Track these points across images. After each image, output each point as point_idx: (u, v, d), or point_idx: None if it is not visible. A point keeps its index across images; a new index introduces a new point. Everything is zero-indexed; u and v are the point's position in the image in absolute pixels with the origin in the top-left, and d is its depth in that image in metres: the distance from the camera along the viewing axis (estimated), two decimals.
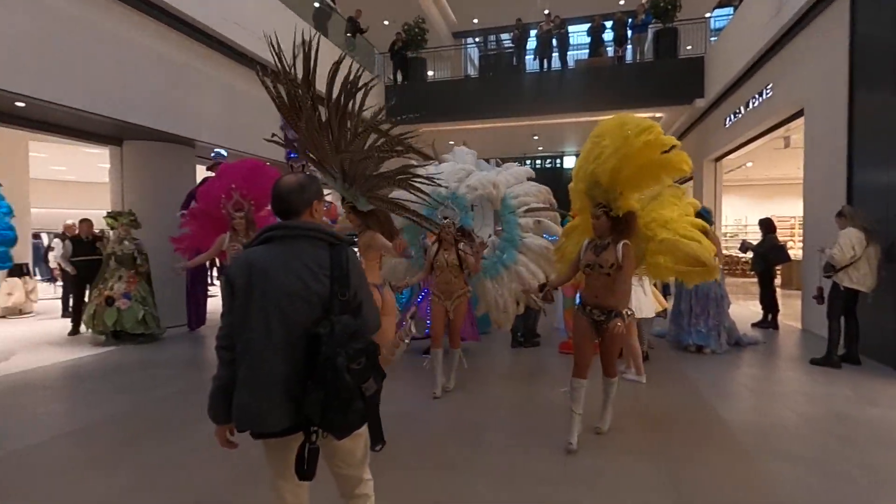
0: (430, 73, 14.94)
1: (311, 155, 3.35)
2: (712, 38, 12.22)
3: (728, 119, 10.43)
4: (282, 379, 1.50)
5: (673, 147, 3.16)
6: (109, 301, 6.23)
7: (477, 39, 19.24)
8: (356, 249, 3.21)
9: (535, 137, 15.62)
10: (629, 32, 12.33)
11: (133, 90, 6.52)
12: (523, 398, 4.29)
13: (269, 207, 6.07)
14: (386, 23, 16.45)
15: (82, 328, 6.69)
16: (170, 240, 6.28)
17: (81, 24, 5.85)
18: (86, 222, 7.26)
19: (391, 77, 14.39)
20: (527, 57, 13.53)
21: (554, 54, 12.89)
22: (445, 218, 4.04)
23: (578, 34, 13.54)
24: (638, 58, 12.48)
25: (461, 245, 4.06)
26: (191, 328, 7.26)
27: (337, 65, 3.20)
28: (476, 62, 18.99)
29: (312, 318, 1.52)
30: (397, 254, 3.16)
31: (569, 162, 18.61)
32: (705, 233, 3.52)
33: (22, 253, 8.30)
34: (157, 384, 4.75)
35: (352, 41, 12.72)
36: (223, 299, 1.58)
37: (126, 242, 6.48)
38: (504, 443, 3.36)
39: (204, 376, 4.99)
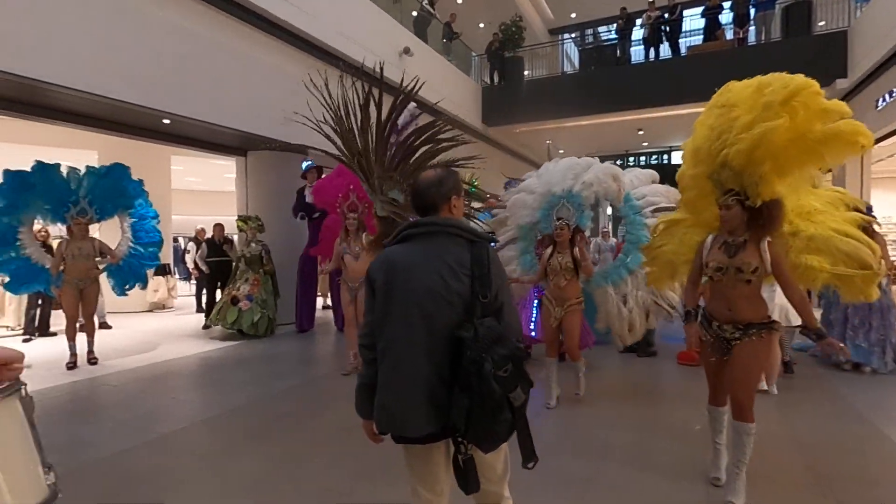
0: (526, 72, 14.70)
1: (350, 159, 3.82)
2: (857, 9, 10.63)
3: (881, 101, 8.98)
4: (423, 381, 1.43)
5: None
6: (234, 301, 6.78)
7: (574, 35, 18.62)
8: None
9: (641, 132, 14.69)
10: (752, 11, 11.12)
11: (256, 104, 7.05)
12: (646, 415, 3.90)
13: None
14: (482, 25, 16.47)
15: (210, 321, 7.38)
16: (310, 252, 6.63)
17: (213, 45, 6.42)
18: (219, 227, 8.04)
19: (486, 80, 14.34)
20: (632, 48, 12.77)
21: (664, 44, 12.01)
22: (560, 219, 3.82)
23: (692, 18, 12.50)
24: (763, 38, 11.21)
25: (576, 248, 3.82)
26: (299, 330, 7.46)
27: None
28: (574, 58, 18.37)
29: (454, 319, 1.44)
30: None
31: (677, 157, 17.29)
32: (867, 231, 2.84)
33: (164, 254, 9.36)
34: (276, 378, 5.04)
35: (448, 45, 12.86)
36: (366, 298, 1.55)
37: (253, 244, 7.04)
38: (632, 463, 3.06)
39: (315, 372, 5.22)
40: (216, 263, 7.85)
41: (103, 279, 5.86)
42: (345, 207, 5.30)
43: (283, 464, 3.10)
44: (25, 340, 6.89)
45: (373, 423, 1.62)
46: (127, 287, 6.06)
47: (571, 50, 18.45)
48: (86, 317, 5.48)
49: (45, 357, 5.86)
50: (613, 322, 4.16)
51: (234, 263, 7.26)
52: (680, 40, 12.03)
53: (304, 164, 7.69)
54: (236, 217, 7.43)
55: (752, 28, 11.36)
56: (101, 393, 4.64)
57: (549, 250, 3.91)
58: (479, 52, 14.78)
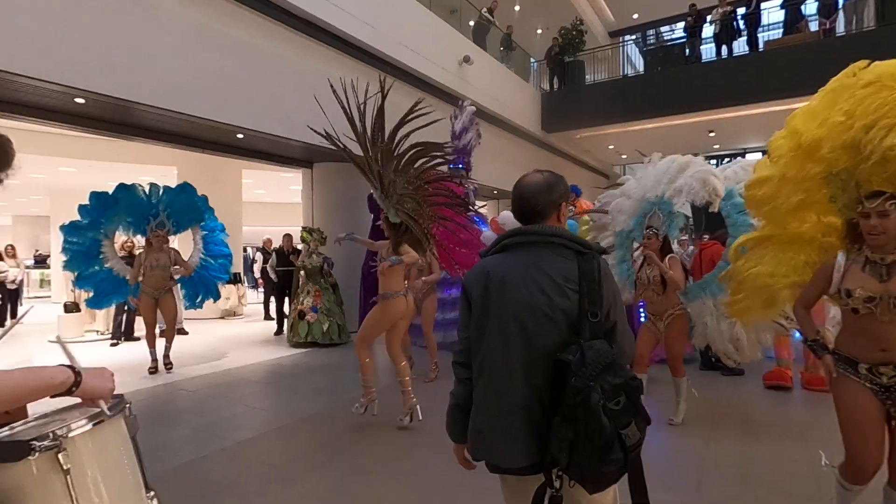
0: (587, 77, 14.32)
1: (361, 165, 3.99)
2: None
3: None
4: (521, 407, 1.29)
5: None
6: (301, 315, 6.95)
7: (635, 36, 17.99)
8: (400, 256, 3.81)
9: (712, 134, 13.86)
10: None
11: (321, 116, 7.21)
12: (742, 449, 3.49)
13: (447, 215, 6.19)
14: (539, 31, 16.25)
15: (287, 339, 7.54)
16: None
17: (279, 60, 6.61)
18: (287, 237, 8.32)
19: (545, 86, 14.09)
20: (701, 46, 12.12)
21: (738, 40, 11.31)
22: (650, 227, 3.56)
23: (770, 10, 11.70)
24: (854, 27, 10.29)
25: (667, 259, 3.54)
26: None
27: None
28: (636, 61, 17.72)
29: (558, 339, 1.28)
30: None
31: (752, 159, 16.15)
32: None
33: (235, 264, 9.77)
34: (343, 388, 5.04)
35: (507, 54, 12.74)
36: (460, 312, 1.43)
37: (314, 256, 7.18)
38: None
39: (382, 383, 5.17)
40: (284, 272, 8.10)
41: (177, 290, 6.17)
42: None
43: (354, 477, 3.04)
44: (113, 345, 7.35)
45: (464, 447, 1.49)
46: (199, 300, 6.31)
47: (633, 52, 17.84)
48: (167, 322, 5.74)
49: (129, 361, 6.20)
50: (714, 339, 3.73)
51: (295, 275, 7.44)
52: (757, 35, 11.28)
53: None
54: (301, 228, 7.62)
55: (840, 17, 10.46)
56: (179, 398, 4.81)
57: (639, 261, 3.68)
58: (538, 58, 14.57)
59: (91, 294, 5.97)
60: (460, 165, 7.44)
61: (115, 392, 1.47)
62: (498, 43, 12.76)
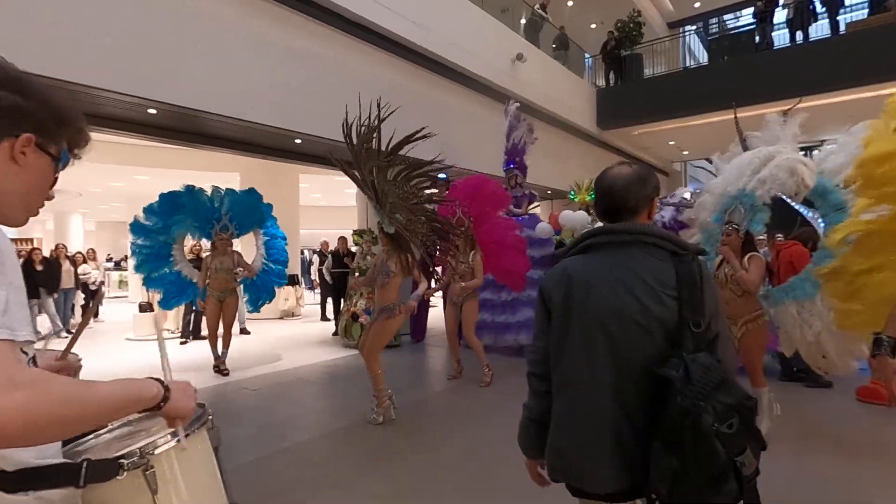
0: (645, 70, 13.75)
1: (357, 174, 3.91)
2: None
3: None
4: (611, 426, 1.16)
5: None
6: (354, 317, 7.01)
7: (697, 26, 17.10)
8: (391, 268, 3.93)
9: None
10: None
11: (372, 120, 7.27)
12: (839, 474, 3.16)
13: (506, 219, 6.10)
14: (593, 26, 15.77)
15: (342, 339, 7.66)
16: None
17: (333, 65, 6.69)
18: (342, 239, 8.47)
19: (598, 82, 13.64)
20: (773, 32, 11.32)
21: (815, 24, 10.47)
22: (728, 223, 3.29)
23: None
24: None
25: (747, 257, 3.25)
26: (414, 339, 7.57)
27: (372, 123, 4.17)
28: (697, 52, 16.83)
29: (651, 352, 1.14)
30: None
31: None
32: None
33: (293, 266, 10.06)
34: (397, 391, 5.01)
35: (562, 53, 12.43)
36: (536, 318, 1.32)
37: (368, 258, 7.23)
38: None
39: (436, 387, 5.11)
40: (339, 274, 8.24)
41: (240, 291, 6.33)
42: (453, 222, 5.24)
43: (410, 485, 2.97)
44: (182, 343, 7.72)
45: (539, 462, 1.38)
46: (260, 303, 6.46)
47: (694, 43, 16.97)
48: (224, 327, 5.85)
49: (196, 359, 6.48)
50: (800, 348, 3.40)
51: (350, 277, 7.52)
52: (838, 17, 10.40)
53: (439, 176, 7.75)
54: (352, 231, 7.72)
55: None
56: (242, 397, 4.95)
57: (717, 259, 3.41)
58: (592, 53, 14.13)
59: (161, 295, 6.22)
60: (511, 165, 7.28)
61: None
62: (551, 39, 12.49)
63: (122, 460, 0.96)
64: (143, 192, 14.39)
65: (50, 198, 0.97)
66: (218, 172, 10.73)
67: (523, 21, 11.59)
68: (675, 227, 6.10)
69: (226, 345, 5.89)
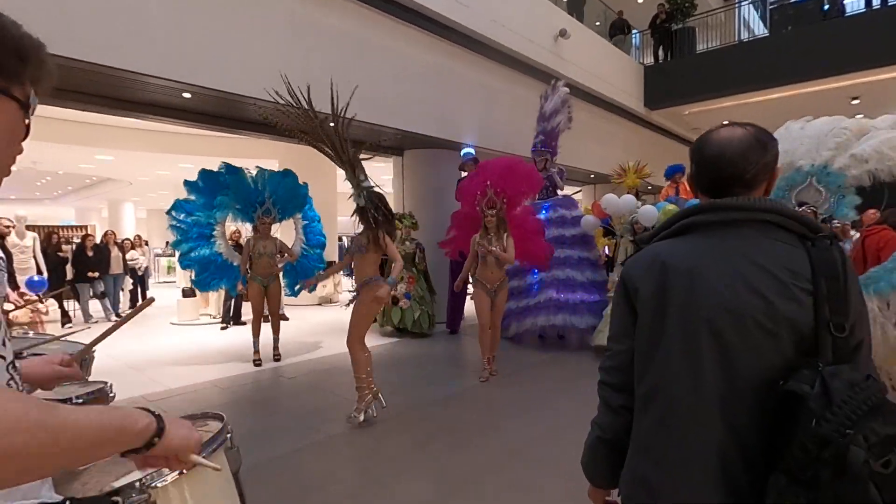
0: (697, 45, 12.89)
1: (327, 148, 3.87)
2: None
3: None
4: (716, 451, 0.89)
5: None
6: (394, 301, 6.85)
7: None
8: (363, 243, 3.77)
9: (855, 101, 11.83)
10: None
11: (410, 100, 7.04)
12: None
13: (524, 204, 5.80)
14: (640, 1, 14.93)
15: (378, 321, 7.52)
16: (439, 245, 6.45)
17: (367, 44, 6.47)
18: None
19: (646, 60, 12.89)
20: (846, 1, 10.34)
21: None
22: (803, 204, 2.89)
23: None
24: None
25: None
26: (450, 330, 7.28)
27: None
28: (753, 24, 15.68)
29: (777, 362, 0.87)
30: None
31: None
32: None
33: (331, 252, 10.03)
34: (433, 383, 4.83)
35: (620, 39, 11.84)
36: (615, 315, 1.06)
37: (408, 242, 7.05)
38: None
39: (473, 380, 4.88)
40: None
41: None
42: (483, 205, 5.00)
43: (452, 487, 2.78)
44: (222, 328, 7.82)
45: (606, 493, 1.14)
46: (298, 287, 6.34)
47: (749, 15, 15.80)
48: (272, 313, 5.74)
49: (237, 345, 6.52)
50: (877, 350, 2.97)
51: (387, 264, 7.33)
52: None
53: (464, 152, 7.46)
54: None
55: None
56: (279, 385, 4.89)
57: None
58: (639, 28, 13.37)
59: (194, 274, 5.87)
60: (544, 148, 6.90)
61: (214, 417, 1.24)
62: (595, 15, 11.87)
63: (116, 497, 0.79)
64: (189, 179, 14.84)
65: (20, 151, 0.77)
66: (257, 159, 10.74)
67: None
68: None
69: (275, 331, 5.80)
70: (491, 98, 8.32)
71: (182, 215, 5.65)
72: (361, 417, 3.62)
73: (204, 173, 5.69)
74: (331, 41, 6.02)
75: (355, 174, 3.73)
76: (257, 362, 5.54)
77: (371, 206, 3.70)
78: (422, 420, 3.82)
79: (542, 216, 6.48)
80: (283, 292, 5.99)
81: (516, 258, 5.27)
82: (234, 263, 5.86)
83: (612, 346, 1.06)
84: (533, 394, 4.45)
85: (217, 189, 5.68)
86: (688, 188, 7.01)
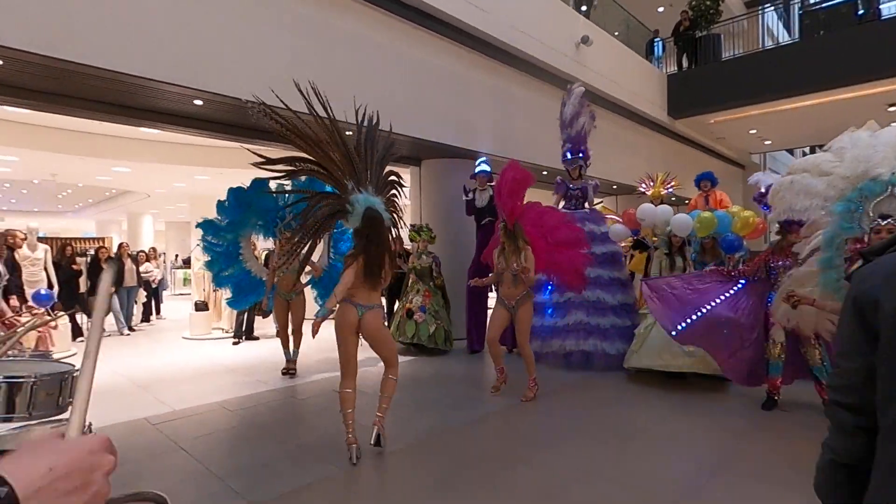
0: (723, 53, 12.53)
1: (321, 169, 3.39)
2: None
3: None
4: None
5: None
6: (409, 314, 6.56)
7: (777, 2, 15.51)
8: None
9: (892, 108, 11.31)
10: None
11: (427, 108, 6.81)
12: None
13: (557, 210, 5.43)
14: (661, 10, 14.63)
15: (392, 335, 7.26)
16: (482, 258, 6.04)
17: (384, 50, 6.25)
18: (398, 239, 8.01)
19: (666, 69, 12.56)
20: (882, 4, 9.92)
21: None
22: (887, 217, 2.53)
23: None
24: None
25: None
26: (471, 349, 6.84)
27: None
28: (775, 31, 15.27)
29: None
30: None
31: None
32: None
33: None
34: (453, 405, 4.51)
35: (628, 33, 11.53)
36: (844, 331, 0.88)
37: (424, 256, 6.77)
38: None
39: (498, 401, 4.54)
40: (394, 274, 7.83)
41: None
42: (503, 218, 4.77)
43: None
44: (234, 343, 7.60)
45: None
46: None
47: (772, 22, 15.40)
48: (294, 326, 5.61)
49: (248, 362, 6.27)
50: None
51: (405, 278, 7.05)
52: None
53: (478, 169, 7.13)
54: (408, 227, 7.26)
55: None
56: (290, 407, 4.61)
57: (855, 264, 2.66)
58: (661, 36, 13.07)
59: (229, 294, 5.91)
60: (580, 155, 6.58)
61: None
62: (616, 24, 11.60)
63: None
64: (205, 191, 14.78)
65: None
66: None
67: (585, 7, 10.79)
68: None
69: (296, 344, 5.68)
70: (510, 106, 8.06)
71: (209, 236, 5.62)
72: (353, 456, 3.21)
73: (233, 191, 5.55)
74: (346, 47, 5.83)
75: (369, 183, 3.38)
76: (291, 372, 5.52)
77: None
78: (440, 450, 3.49)
79: None
80: (304, 307, 5.73)
81: (542, 271, 5.00)
82: (263, 278, 5.70)
83: (840, 364, 0.91)
84: (563, 421, 4.09)
85: (242, 206, 5.54)
86: (718, 198, 6.67)
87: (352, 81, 5.89)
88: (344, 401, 3.31)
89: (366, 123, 3.62)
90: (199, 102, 5.02)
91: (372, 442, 3.32)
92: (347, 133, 6.52)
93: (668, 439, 3.66)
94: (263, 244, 7.16)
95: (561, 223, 5.13)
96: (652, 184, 7.08)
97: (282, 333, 5.63)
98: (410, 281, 6.87)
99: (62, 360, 2.47)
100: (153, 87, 4.57)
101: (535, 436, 3.78)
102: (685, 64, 12.22)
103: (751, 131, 13.34)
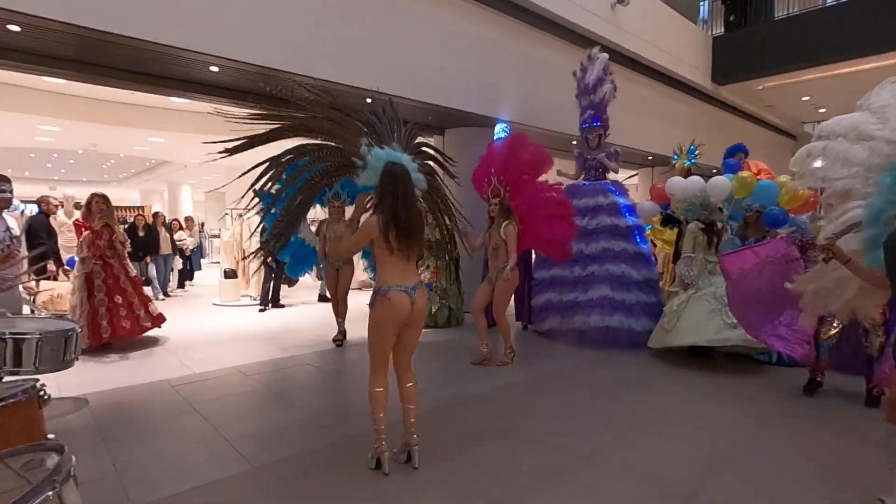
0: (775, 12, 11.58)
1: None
2: None
3: None
4: None
5: None
6: None
7: None
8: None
9: None
10: None
11: (450, 75, 6.57)
12: None
13: (549, 184, 5.17)
14: None
15: None
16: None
17: (404, 14, 6.00)
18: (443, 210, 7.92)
19: (711, 32, 11.72)
20: None
21: None
22: None
23: None
24: None
25: None
26: (524, 324, 6.51)
27: None
28: None
29: None
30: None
31: None
32: None
33: None
34: (466, 377, 4.46)
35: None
36: None
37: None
38: None
39: (497, 380, 4.46)
40: None
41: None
42: (489, 192, 4.88)
43: (515, 496, 2.40)
44: (261, 310, 7.77)
45: None
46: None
47: None
48: (340, 295, 5.66)
49: (272, 329, 6.41)
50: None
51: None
52: None
53: (498, 133, 6.88)
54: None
55: None
56: (302, 375, 4.66)
57: None
58: None
59: (287, 262, 5.99)
60: (597, 123, 6.24)
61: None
62: None
63: None
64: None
65: None
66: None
67: None
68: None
69: (341, 314, 5.74)
70: (538, 72, 7.70)
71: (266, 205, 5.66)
72: (373, 464, 2.76)
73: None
74: (369, 12, 5.66)
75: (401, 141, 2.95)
76: (338, 342, 5.63)
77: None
78: (447, 423, 3.44)
79: (588, 202, 5.88)
80: (352, 276, 5.79)
81: (530, 245, 5.13)
82: (316, 247, 5.78)
83: None
84: (580, 399, 3.97)
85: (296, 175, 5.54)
86: (751, 168, 6.19)
87: (374, 48, 5.73)
88: (376, 400, 2.70)
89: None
90: (214, 69, 4.98)
91: (404, 460, 2.83)
92: (367, 100, 6.43)
93: (686, 423, 3.50)
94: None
95: (546, 193, 5.02)
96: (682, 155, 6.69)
97: (333, 301, 5.72)
98: (426, 255, 6.76)
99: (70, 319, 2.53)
100: (170, 54, 4.55)
101: (548, 412, 3.69)
102: (733, 25, 11.38)
103: (804, 98, 12.41)
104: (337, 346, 5.57)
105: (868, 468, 2.74)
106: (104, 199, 5.52)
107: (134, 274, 5.64)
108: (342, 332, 5.70)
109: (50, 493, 0.81)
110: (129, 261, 5.66)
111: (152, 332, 5.65)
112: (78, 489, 1.22)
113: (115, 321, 5.15)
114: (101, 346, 5.12)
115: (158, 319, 5.61)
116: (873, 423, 3.50)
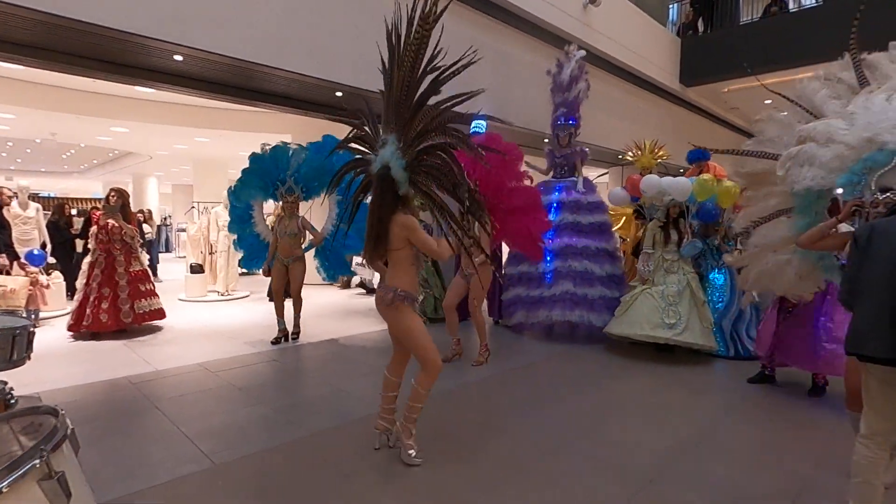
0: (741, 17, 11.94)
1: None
2: None
3: None
4: None
5: None
6: None
7: None
8: None
9: None
10: None
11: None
12: None
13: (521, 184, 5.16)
14: None
15: None
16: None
17: (376, 5, 5.96)
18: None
19: (680, 34, 12.00)
20: None
21: None
22: (888, 190, 2.33)
23: None
24: None
25: None
26: (494, 319, 6.65)
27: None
28: None
29: None
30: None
31: None
32: None
33: None
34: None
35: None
36: None
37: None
38: None
39: (471, 375, 4.51)
40: None
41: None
42: None
43: (480, 489, 2.42)
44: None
45: None
46: (332, 272, 5.95)
47: None
48: (293, 292, 5.56)
49: (237, 324, 6.30)
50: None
51: None
52: None
53: (473, 128, 6.88)
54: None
55: None
56: (263, 371, 4.61)
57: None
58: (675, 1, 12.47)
59: (242, 255, 5.90)
60: (572, 122, 6.32)
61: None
62: None
63: None
64: (206, 154, 14.69)
65: None
66: (269, 133, 10.49)
67: None
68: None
69: (297, 310, 5.66)
70: (509, 69, 7.74)
71: (232, 199, 5.73)
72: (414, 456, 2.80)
73: (252, 158, 5.54)
74: (339, 2, 5.59)
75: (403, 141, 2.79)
76: (292, 338, 5.55)
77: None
78: (441, 414, 3.45)
79: (553, 198, 5.98)
80: (304, 273, 5.62)
81: (500, 240, 5.22)
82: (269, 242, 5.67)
83: None
84: (544, 392, 4.05)
85: (255, 172, 5.50)
86: (716, 171, 6.34)
87: (345, 38, 5.66)
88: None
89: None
90: (178, 58, 4.85)
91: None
92: (337, 94, 6.35)
93: (648, 413, 3.61)
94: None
95: (514, 187, 4.88)
96: (639, 153, 6.87)
97: (276, 300, 5.53)
98: None
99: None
100: (139, 43, 4.41)
101: (514, 406, 3.74)
102: (700, 28, 11.68)
103: (766, 102, 12.84)
104: (273, 343, 5.35)
105: (815, 454, 2.88)
106: (119, 193, 5.72)
107: (138, 268, 5.75)
108: (282, 331, 5.50)
109: (38, 461, 0.80)
110: (139, 254, 5.83)
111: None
112: (77, 456, 1.21)
113: (96, 312, 5.33)
114: (81, 333, 5.36)
115: (142, 317, 5.67)
116: (817, 411, 3.69)
